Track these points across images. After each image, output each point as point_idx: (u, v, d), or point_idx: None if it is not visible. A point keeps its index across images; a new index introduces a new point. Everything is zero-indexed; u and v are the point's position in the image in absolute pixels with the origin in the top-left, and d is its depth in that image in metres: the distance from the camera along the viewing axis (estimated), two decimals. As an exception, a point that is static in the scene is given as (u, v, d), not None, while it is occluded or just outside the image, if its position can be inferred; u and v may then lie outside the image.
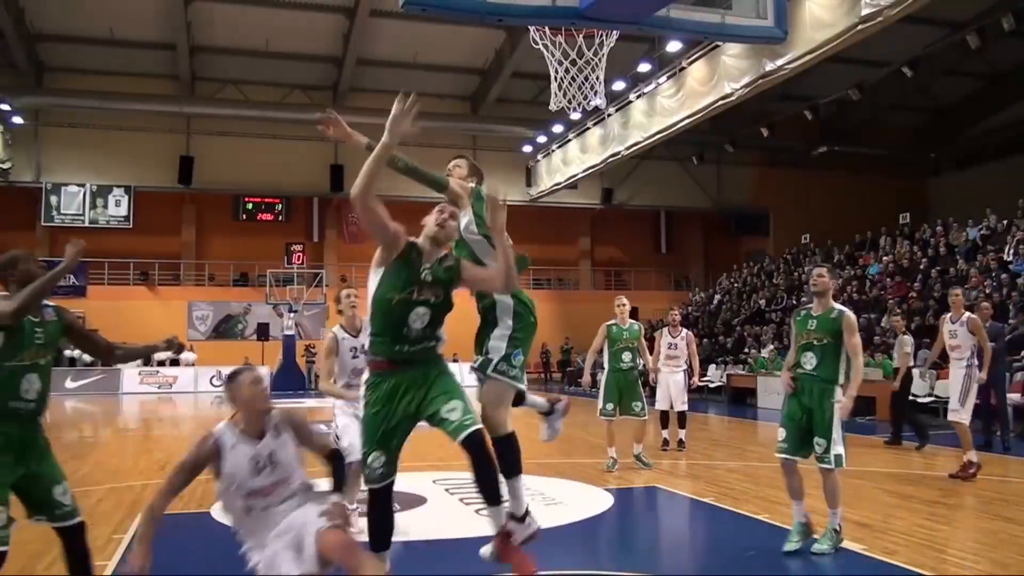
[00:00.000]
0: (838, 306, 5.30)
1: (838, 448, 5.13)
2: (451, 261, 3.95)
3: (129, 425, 16.33)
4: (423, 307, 3.78)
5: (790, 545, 5.07)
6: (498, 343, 4.15)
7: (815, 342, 5.20)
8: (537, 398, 4.81)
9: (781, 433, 5.26)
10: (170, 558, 5.43)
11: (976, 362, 8.26)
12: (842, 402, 5.10)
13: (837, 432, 5.13)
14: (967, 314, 8.38)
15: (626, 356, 8.62)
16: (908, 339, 11.29)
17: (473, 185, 4.40)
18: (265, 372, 26.10)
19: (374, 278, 3.83)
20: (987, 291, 15.80)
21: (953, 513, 6.45)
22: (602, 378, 8.81)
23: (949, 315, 8.59)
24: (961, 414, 8.16)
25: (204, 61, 26.62)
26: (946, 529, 5.84)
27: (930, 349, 15.55)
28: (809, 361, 5.21)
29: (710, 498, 7.06)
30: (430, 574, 4.90)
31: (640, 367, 8.94)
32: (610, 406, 8.58)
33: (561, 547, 5.50)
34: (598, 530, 6.16)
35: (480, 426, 3.70)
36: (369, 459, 3.80)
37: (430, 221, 3.99)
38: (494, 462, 3.75)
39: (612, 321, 8.81)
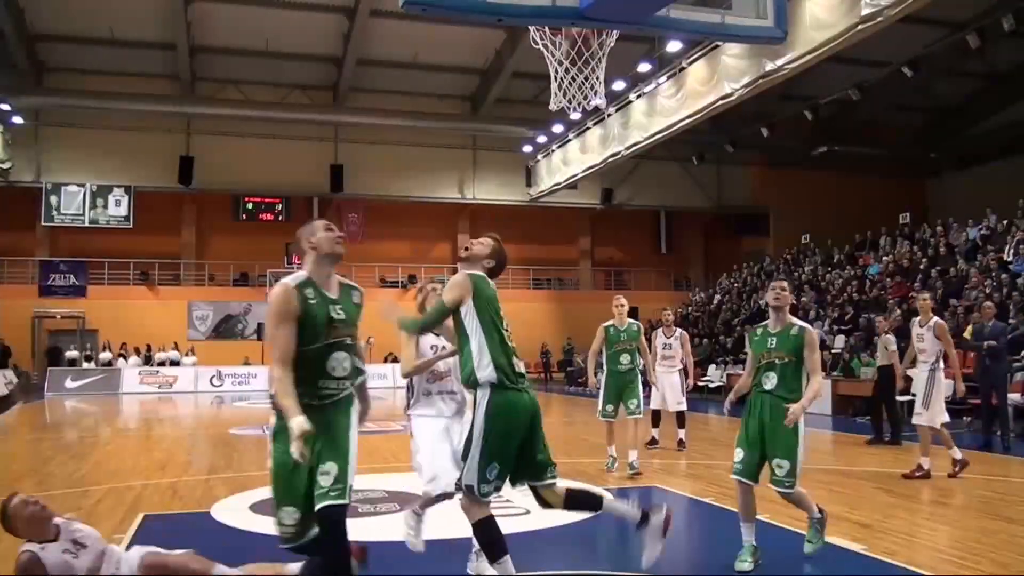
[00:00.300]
0: (797, 322, 5.05)
1: (799, 471, 4.88)
2: (358, 298, 3.70)
3: (129, 425, 16.33)
4: (342, 351, 3.53)
5: (743, 565, 4.73)
6: (470, 459, 3.87)
7: (776, 361, 4.92)
8: (621, 506, 4.32)
9: (739, 454, 4.94)
10: (170, 558, 5.44)
11: (942, 366, 8.28)
12: (793, 410, 4.75)
13: (801, 452, 4.86)
14: (934, 319, 8.38)
15: (624, 359, 8.38)
16: (891, 338, 11.31)
17: (476, 273, 4.06)
18: (265, 371, 26.16)
19: (276, 330, 3.46)
20: (987, 291, 15.80)
21: (953, 513, 6.45)
22: (601, 379, 8.63)
23: (918, 319, 8.54)
24: (923, 417, 8.19)
25: (204, 61, 26.61)
26: (946, 529, 5.84)
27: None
28: (770, 381, 4.93)
29: (710, 498, 7.06)
30: (430, 574, 4.90)
31: (640, 367, 8.67)
32: (610, 407, 8.41)
33: (561, 547, 5.50)
34: (598, 530, 6.15)
35: (341, 503, 3.37)
36: (281, 515, 3.49)
37: (323, 237, 3.60)
38: (343, 549, 3.40)
39: (610, 322, 8.56)
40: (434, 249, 32.06)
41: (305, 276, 3.57)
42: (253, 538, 5.83)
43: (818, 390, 4.91)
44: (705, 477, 8.30)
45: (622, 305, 8.62)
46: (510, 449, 3.87)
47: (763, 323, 5.18)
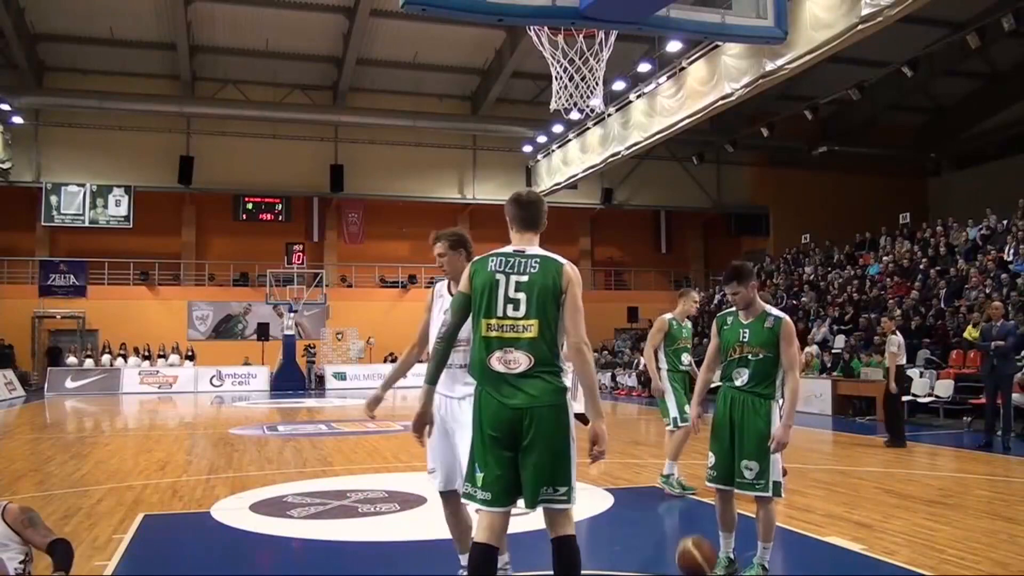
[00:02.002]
0: (772, 311, 4.50)
1: (776, 475, 4.41)
2: None
3: (129, 425, 16.32)
4: None
5: None
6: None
7: (750, 356, 4.43)
8: None
9: (711, 459, 4.58)
10: (170, 558, 5.44)
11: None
12: (777, 434, 4.34)
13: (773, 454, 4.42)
14: None
15: (685, 357, 7.53)
16: (896, 338, 11.27)
17: (477, 260, 3.74)
18: (265, 371, 26.19)
19: None
20: (987, 291, 15.80)
21: (953, 513, 6.44)
22: (663, 380, 7.50)
23: None
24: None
25: (204, 61, 26.62)
26: (946, 529, 5.84)
27: (928, 349, 15.66)
28: (741, 376, 4.47)
29: (710, 498, 7.04)
30: (430, 574, 4.90)
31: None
32: (686, 408, 7.30)
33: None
34: (598, 530, 6.16)
35: None
36: None
37: None
38: None
39: (671, 315, 7.52)
40: (434, 249, 32.01)
41: None
42: (253, 538, 5.83)
43: (797, 391, 4.40)
44: (705, 477, 8.27)
45: (697, 301, 7.72)
46: (490, 452, 3.38)
47: (732, 310, 4.63)
